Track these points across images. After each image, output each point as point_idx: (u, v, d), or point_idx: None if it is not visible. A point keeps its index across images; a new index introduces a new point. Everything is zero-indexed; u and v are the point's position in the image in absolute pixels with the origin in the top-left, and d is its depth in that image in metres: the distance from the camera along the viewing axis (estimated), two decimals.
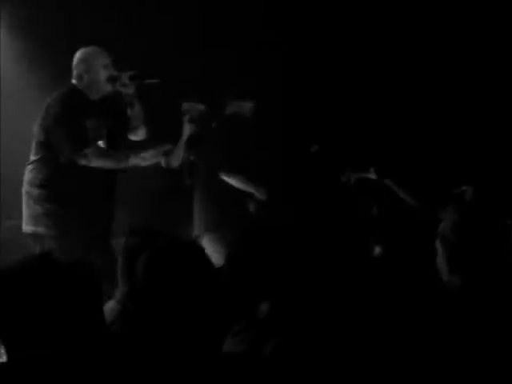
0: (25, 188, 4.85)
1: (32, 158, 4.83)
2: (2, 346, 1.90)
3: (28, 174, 4.84)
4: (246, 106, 5.84)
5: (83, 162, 4.69)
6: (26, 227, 4.85)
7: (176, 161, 6.20)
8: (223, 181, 5.68)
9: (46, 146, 4.77)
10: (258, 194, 5.67)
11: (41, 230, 4.76)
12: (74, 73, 4.84)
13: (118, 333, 2.65)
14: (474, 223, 2.78)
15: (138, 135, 5.10)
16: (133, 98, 4.93)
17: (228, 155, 5.66)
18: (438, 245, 2.81)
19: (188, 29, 6.57)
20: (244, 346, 2.32)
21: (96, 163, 4.71)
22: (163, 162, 5.05)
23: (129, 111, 4.99)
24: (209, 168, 5.76)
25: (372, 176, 4.34)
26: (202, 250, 2.44)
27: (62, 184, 4.74)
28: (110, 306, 2.84)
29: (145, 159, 4.90)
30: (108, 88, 4.86)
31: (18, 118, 5.79)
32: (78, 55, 4.86)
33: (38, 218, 4.76)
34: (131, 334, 2.55)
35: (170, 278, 2.33)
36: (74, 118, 4.69)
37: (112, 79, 4.84)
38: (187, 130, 6.19)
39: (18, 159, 5.15)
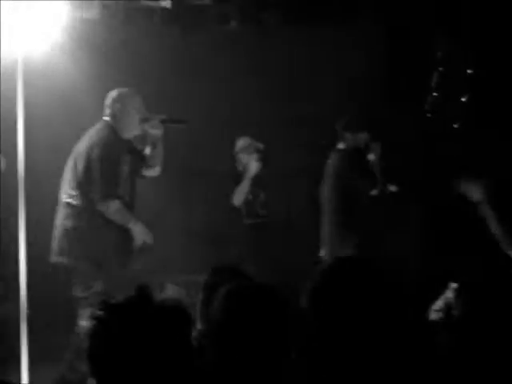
0: (60, 221, 5.00)
1: (70, 192, 4.97)
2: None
3: (65, 208, 4.99)
4: (362, 138, 5.89)
5: (102, 208, 4.91)
6: (55, 258, 5.00)
7: (240, 199, 6.22)
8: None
9: (82, 182, 4.95)
10: None
11: (71, 262, 4.94)
12: (108, 111, 5.05)
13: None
14: None
15: (152, 173, 5.31)
16: (158, 139, 5.15)
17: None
18: None
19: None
20: None
21: (110, 216, 4.92)
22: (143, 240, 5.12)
23: (149, 150, 5.21)
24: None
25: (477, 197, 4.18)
26: (280, 297, 2.43)
27: (96, 221, 4.93)
28: None
29: (140, 233, 5.04)
30: (139, 129, 5.09)
31: None
32: (112, 95, 5.07)
33: (70, 250, 4.94)
34: (206, 372, 2.55)
35: (243, 318, 2.33)
36: (111, 162, 4.95)
37: (144, 120, 5.06)
38: (253, 168, 6.21)
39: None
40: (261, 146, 6.31)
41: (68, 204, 4.99)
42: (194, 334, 2.90)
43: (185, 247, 6.25)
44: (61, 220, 5.02)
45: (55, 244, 5.03)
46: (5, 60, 4.88)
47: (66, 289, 5.00)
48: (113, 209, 4.93)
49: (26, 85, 4.95)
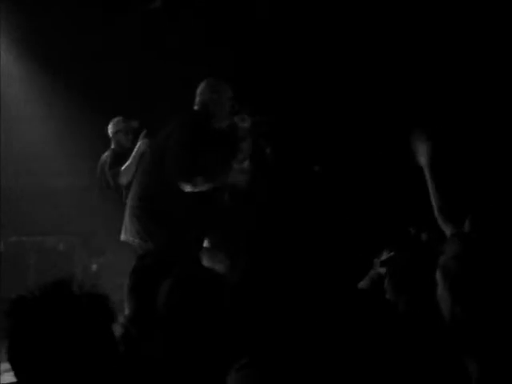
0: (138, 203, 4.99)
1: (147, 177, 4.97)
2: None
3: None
4: None
5: (189, 187, 4.76)
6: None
7: (127, 178, 6.21)
8: None
9: (159, 165, 4.88)
10: None
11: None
12: (198, 100, 5.01)
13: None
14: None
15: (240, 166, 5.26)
16: (247, 132, 5.19)
17: None
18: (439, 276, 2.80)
19: None
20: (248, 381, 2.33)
21: (199, 188, 4.79)
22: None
23: (241, 144, 5.21)
24: None
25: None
26: (220, 281, 2.48)
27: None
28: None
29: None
30: (228, 119, 5.09)
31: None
32: (205, 84, 5.04)
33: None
34: (131, 360, 2.56)
35: (190, 308, 2.37)
36: (195, 147, 4.82)
37: (234, 112, 5.11)
38: (142, 146, 6.16)
39: None
40: (136, 123, 6.24)
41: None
42: (121, 319, 2.90)
43: None
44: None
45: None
46: None
47: None
48: (200, 181, 4.78)
49: None
